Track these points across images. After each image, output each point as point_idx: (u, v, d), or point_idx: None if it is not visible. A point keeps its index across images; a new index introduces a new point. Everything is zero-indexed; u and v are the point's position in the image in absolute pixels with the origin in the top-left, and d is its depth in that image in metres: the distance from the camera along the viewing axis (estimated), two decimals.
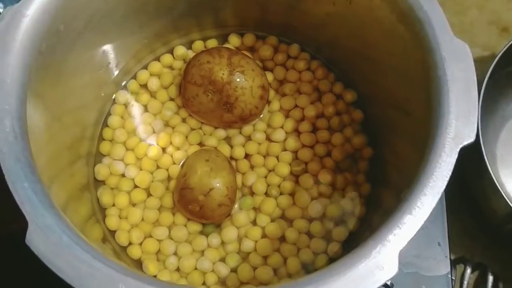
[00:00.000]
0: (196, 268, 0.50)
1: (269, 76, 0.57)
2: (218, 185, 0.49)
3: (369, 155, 0.54)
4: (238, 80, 0.51)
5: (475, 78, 0.37)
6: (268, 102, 0.57)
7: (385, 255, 0.33)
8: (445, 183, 0.34)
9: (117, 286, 0.32)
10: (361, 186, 0.53)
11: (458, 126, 0.35)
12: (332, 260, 0.50)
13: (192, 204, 0.49)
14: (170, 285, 0.33)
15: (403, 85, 0.44)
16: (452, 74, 0.37)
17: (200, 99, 0.52)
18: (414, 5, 0.40)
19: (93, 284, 0.32)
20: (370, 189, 0.53)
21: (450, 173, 0.34)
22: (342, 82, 0.57)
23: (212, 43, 0.60)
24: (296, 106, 0.57)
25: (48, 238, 0.33)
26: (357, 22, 0.48)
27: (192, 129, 0.56)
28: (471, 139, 0.35)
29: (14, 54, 0.37)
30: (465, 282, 0.64)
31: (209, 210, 0.49)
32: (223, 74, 0.51)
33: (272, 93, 0.57)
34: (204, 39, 0.60)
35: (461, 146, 0.35)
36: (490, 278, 0.64)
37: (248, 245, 0.50)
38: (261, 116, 0.56)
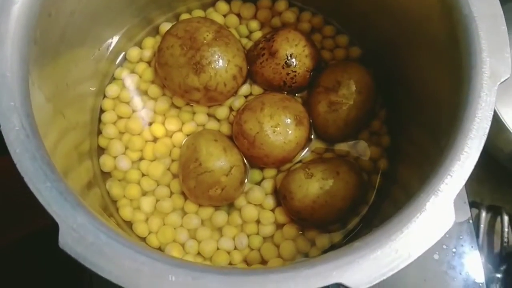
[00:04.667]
0: (218, 249, 0.48)
1: None
2: (236, 162, 0.47)
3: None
4: (219, 47, 0.48)
5: (502, 12, 0.35)
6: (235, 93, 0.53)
7: (439, 205, 0.31)
8: (489, 123, 0.33)
9: (167, 278, 0.30)
10: (381, 137, 0.52)
11: (493, 64, 0.34)
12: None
13: (213, 188, 0.46)
14: (219, 269, 0.31)
15: (423, 26, 0.42)
16: (478, 11, 0.35)
17: (173, 51, 0.48)
18: None
19: (142, 280, 0.29)
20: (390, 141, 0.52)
21: (492, 113, 0.33)
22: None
23: (199, 13, 0.57)
24: None
25: (84, 238, 0.30)
26: None
27: (177, 108, 0.53)
28: (507, 75, 0.34)
29: (9, 46, 0.34)
30: (482, 226, 0.64)
31: (232, 189, 0.47)
32: (207, 35, 0.48)
33: None
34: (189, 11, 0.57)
35: (498, 83, 0.34)
36: (506, 218, 0.64)
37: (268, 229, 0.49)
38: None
